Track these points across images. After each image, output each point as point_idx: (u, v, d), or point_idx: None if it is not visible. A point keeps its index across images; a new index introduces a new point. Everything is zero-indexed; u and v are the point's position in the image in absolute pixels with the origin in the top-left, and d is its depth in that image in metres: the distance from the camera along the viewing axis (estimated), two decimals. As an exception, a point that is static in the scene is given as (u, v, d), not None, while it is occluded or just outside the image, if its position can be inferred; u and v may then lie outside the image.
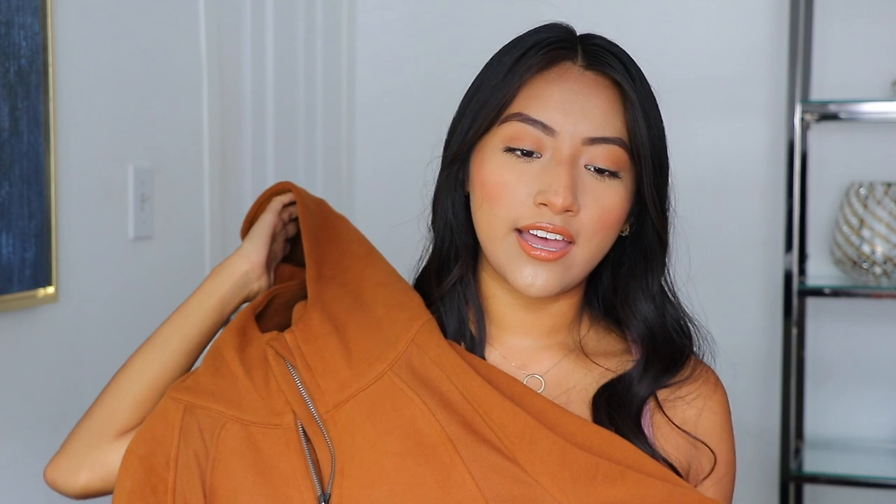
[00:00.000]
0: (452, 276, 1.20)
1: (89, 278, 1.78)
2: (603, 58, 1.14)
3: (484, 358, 1.20)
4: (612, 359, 1.21)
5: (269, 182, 2.44)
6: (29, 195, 1.60)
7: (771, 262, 2.67)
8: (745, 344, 2.70)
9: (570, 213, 1.11)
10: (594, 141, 1.11)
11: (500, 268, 1.14)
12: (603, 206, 1.12)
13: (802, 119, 2.49)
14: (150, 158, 1.95)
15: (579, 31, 1.19)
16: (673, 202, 1.20)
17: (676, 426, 1.18)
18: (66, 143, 1.71)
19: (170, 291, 2.04)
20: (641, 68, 1.17)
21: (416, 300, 1.21)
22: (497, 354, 1.20)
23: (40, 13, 1.60)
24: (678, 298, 1.23)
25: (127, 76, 1.88)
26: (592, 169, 1.12)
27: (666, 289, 1.22)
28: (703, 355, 1.24)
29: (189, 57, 2.09)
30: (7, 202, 1.55)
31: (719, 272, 2.71)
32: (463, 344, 1.19)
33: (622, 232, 1.18)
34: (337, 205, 2.73)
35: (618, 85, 1.14)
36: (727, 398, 1.25)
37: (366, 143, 2.88)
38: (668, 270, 1.22)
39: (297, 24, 2.55)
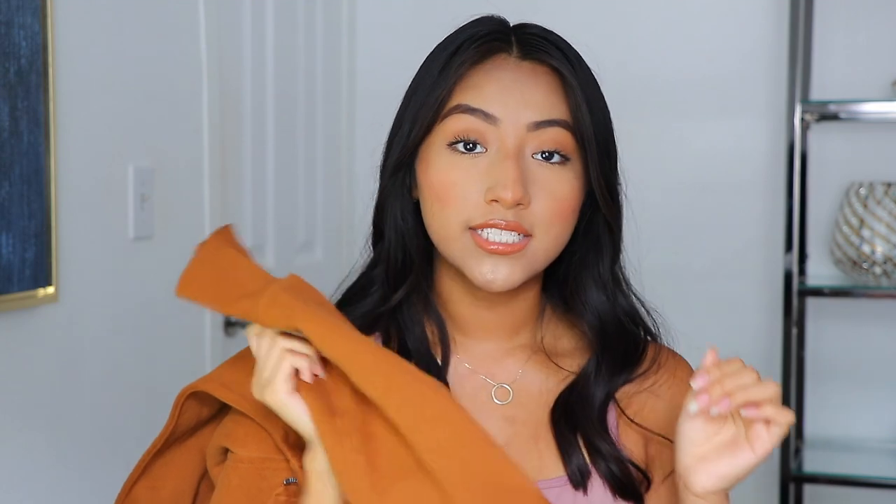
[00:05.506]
0: (408, 286, 1.16)
1: (89, 278, 1.78)
2: (538, 45, 1.12)
3: (447, 372, 1.16)
4: (572, 357, 1.19)
5: (269, 182, 2.44)
6: (29, 195, 1.60)
7: (771, 262, 2.67)
8: (745, 344, 2.70)
9: (521, 207, 1.08)
10: (538, 125, 1.09)
11: (458, 266, 1.11)
12: (555, 195, 1.09)
13: (802, 119, 2.49)
14: (150, 158, 1.95)
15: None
16: (624, 188, 1.17)
17: (630, 420, 1.16)
18: (66, 143, 1.71)
19: (170, 291, 2.03)
20: (590, 59, 1.14)
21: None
22: (464, 366, 1.18)
23: (40, 13, 1.60)
24: (632, 287, 1.20)
25: (127, 76, 1.88)
26: (540, 157, 1.09)
27: (622, 278, 1.19)
28: (663, 344, 1.22)
29: (189, 57, 2.09)
30: (7, 202, 1.55)
31: (719, 272, 2.71)
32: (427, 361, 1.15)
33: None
34: (337, 205, 2.73)
35: (556, 71, 1.11)
36: None
37: (366, 142, 2.88)
38: (621, 258, 1.19)
39: (297, 23, 2.55)
